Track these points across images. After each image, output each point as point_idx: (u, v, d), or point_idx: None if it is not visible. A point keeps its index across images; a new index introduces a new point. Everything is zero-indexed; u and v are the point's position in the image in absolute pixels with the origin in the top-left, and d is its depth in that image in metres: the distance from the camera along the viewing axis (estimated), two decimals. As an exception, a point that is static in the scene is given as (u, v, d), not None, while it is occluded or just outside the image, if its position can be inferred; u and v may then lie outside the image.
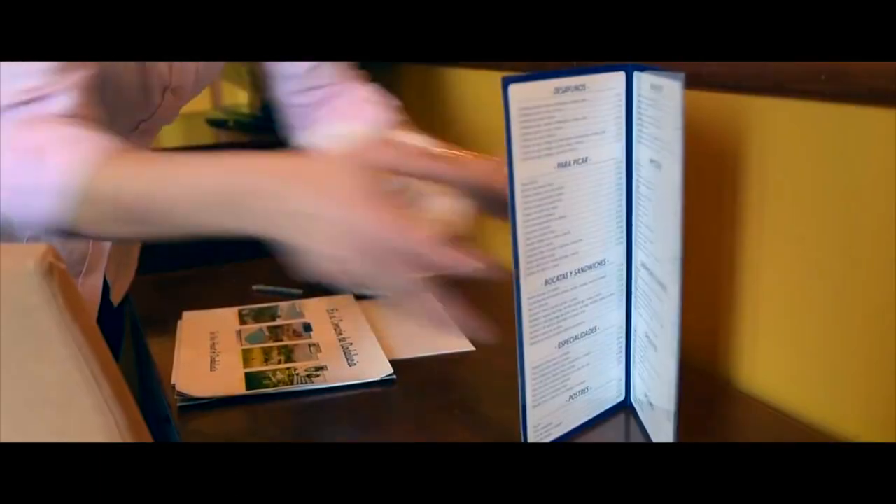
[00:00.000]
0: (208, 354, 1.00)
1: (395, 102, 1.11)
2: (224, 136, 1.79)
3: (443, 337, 1.03)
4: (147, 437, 0.66)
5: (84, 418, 0.63)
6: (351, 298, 1.18)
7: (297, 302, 1.18)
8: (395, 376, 0.93)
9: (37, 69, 0.73)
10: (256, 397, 0.90)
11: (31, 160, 0.69)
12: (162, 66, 0.94)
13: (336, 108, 1.09)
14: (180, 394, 0.89)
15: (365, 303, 1.16)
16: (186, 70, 0.98)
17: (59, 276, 0.59)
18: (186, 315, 1.13)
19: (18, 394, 0.63)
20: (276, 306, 1.17)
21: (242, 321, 1.12)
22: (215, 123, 1.88)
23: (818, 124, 0.79)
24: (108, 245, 1.06)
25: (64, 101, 0.74)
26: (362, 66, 1.58)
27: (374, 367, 0.95)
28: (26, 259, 0.58)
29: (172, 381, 0.92)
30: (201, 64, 1.01)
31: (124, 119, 0.98)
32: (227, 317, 1.14)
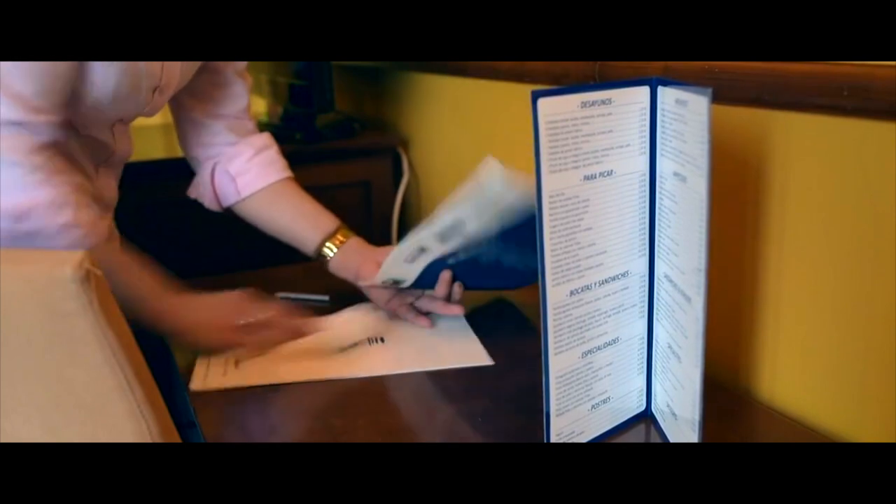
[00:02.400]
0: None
1: (284, 162, 1.25)
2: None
3: (463, 351, 1.03)
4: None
5: (117, 423, 0.64)
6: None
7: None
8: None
9: (23, 103, 0.86)
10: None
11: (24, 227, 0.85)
12: (154, 67, 0.99)
13: (241, 154, 1.21)
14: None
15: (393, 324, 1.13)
16: (173, 69, 1.03)
17: (96, 282, 0.60)
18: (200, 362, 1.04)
19: (52, 397, 0.64)
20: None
21: None
22: (235, 132, 1.89)
23: (840, 139, 0.80)
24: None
25: (49, 132, 0.88)
26: (377, 75, 1.58)
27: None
28: (64, 266, 0.59)
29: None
30: (185, 63, 1.06)
31: (112, 116, 1.03)
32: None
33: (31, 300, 0.60)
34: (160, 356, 1.03)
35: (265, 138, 1.24)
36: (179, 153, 1.25)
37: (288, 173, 1.23)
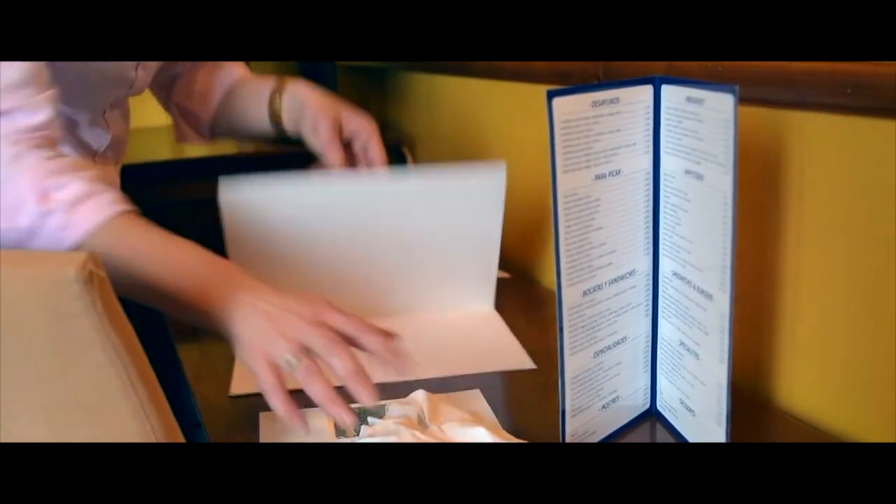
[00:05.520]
0: None
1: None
2: (248, 146, 1.79)
3: (502, 355, 0.99)
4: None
5: (121, 424, 0.64)
6: (478, 393, 0.91)
7: (424, 404, 0.86)
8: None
9: (6, 85, 0.78)
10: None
11: (36, 208, 0.76)
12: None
13: (197, 78, 1.19)
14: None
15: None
16: None
17: (99, 283, 0.60)
18: (265, 416, 0.86)
19: (56, 398, 0.63)
20: (383, 406, 0.85)
21: (339, 430, 0.83)
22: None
23: (844, 138, 0.79)
24: None
25: (40, 116, 0.80)
26: (380, 75, 1.56)
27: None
28: (67, 266, 0.59)
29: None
30: None
31: (104, 98, 1.02)
32: (317, 424, 0.83)
33: (34, 301, 0.60)
34: (165, 357, 1.03)
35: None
36: (185, 154, 1.25)
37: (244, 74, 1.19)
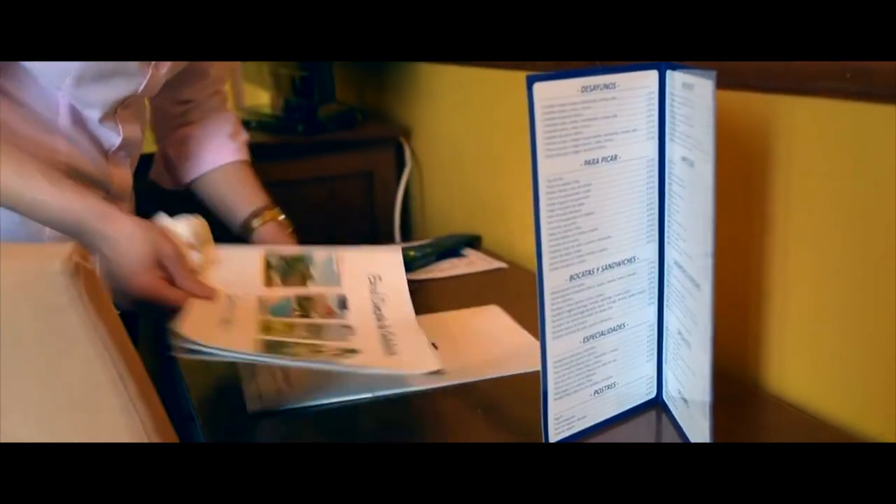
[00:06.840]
0: (220, 314, 0.90)
1: (246, 137, 1.26)
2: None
3: (526, 356, 0.94)
4: (173, 438, 0.66)
5: (110, 418, 0.63)
6: (396, 258, 1.05)
7: (334, 252, 1.03)
8: (442, 370, 0.84)
9: None
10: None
11: None
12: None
13: (193, 136, 1.22)
14: (181, 338, 0.78)
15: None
16: None
17: (85, 275, 0.59)
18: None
19: (45, 392, 0.63)
20: (311, 256, 1.04)
21: (268, 277, 1.00)
22: (238, 124, 1.88)
23: (843, 123, 0.78)
24: None
25: None
26: (378, 65, 1.55)
27: (417, 359, 0.86)
28: (53, 259, 0.58)
29: (172, 327, 0.82)
30: None
31: (114, 90, 1.01)
32: (249, 266, 1.00)
33: (20, 295, 0.59)
34: (160, 349, 1.02)
35: (224, 119, 1.24)
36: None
37: (237, 157, 1.23)
